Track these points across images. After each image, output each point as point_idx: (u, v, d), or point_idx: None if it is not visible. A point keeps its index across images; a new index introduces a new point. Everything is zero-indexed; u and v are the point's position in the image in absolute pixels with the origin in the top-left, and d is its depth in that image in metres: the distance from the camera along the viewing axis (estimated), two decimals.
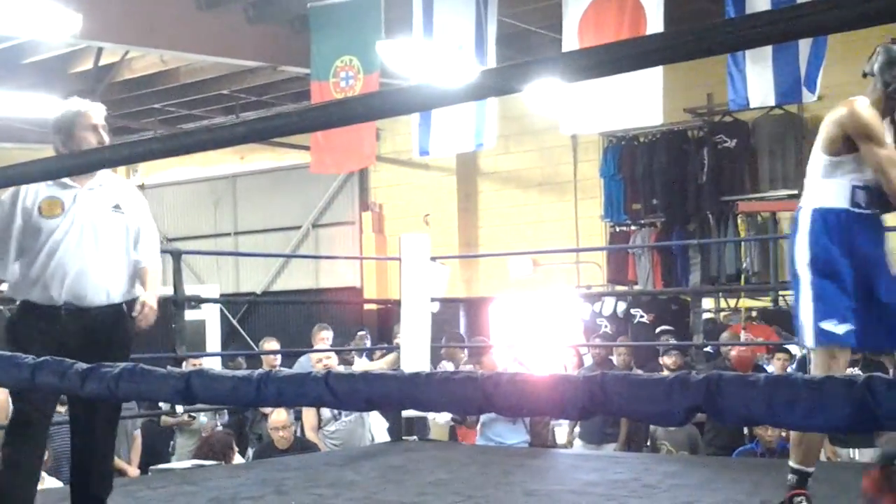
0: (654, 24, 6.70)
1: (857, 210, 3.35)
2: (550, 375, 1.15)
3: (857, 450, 6.11)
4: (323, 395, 1.33)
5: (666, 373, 7.18)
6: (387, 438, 6.63)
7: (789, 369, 6.37)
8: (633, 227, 10.15)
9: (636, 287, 9.89)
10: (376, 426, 6.84)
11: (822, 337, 3.29)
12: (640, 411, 1.07)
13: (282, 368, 7.46)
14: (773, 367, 6.66)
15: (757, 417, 1.00)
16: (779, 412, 0.97)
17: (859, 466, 4.73)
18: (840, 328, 3.27)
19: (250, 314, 13.05)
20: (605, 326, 9.52)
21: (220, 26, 8.76)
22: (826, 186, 3.38)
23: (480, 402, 1.16)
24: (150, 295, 3.45)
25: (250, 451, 6.95)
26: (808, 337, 3.33)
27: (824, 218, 3.39)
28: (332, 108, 1.50)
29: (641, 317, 9.54)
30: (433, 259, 6.89)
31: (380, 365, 7.73)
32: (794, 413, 0.96)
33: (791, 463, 3.39)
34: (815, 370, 3.37)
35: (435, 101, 1.55)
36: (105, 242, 3.39)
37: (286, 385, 1.41)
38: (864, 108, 3.33)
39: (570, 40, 7.19)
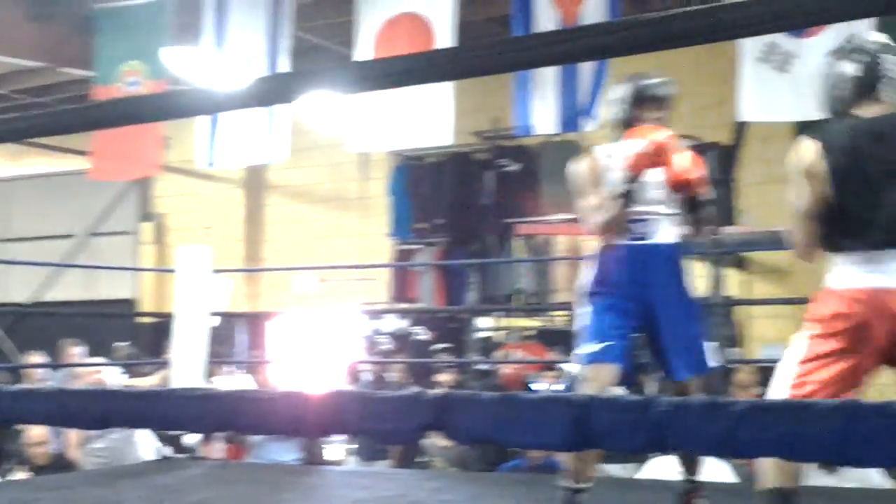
0: (444, 45, 6.81)
1: (638, 242, 3.48)
2: (285, 393, 1.13)
3: (613, 465, 6.36)
4: (55, 411, 1.27)
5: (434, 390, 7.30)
6: (156, 456, 6.42)
7: (556, 387, 6.58)
8: (417, 246, 10.27)
9: (418, 305, 10.01)
10: (146, 444, 6.61)
11: (585, 357, 3.43)
12: (374, 429, 1.07)
13: (46, 383, 7.11)
14: (539, 385, 6.87)
15: (485, 435, 1.02)
16: (504, 430, 0.99)
17: (615, 482, 4.93)
18: (598, 346, 3.39)
19: (18, 326, 12.36)
20: (386, 343, 9.57)
21: None
22: None
23: (218, 420, 1.13)
24: None
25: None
26: (576, 357, 3.47)
27: (605, 250, 3.55)
28: (89, 110, 1.44)
29: (422, 335, 9.65)
30: (216, 272, 6.73)
31: (151, 381, 7.48)
32: (518, 431, 0.98)
33: (562, 481, 3.47)
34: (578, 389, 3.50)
35: (206, 107, 1.51)
36: None
37: (18, 401, 1.34)
38: (581, 163, 3.64)
39: (364, 58, 7.21)
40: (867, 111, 2.88)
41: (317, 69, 1.25)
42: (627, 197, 3.41)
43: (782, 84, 5.50)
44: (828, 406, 0.86)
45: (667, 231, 3.52)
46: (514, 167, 9.64)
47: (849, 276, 2.76)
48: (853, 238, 2.78)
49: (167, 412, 1.24)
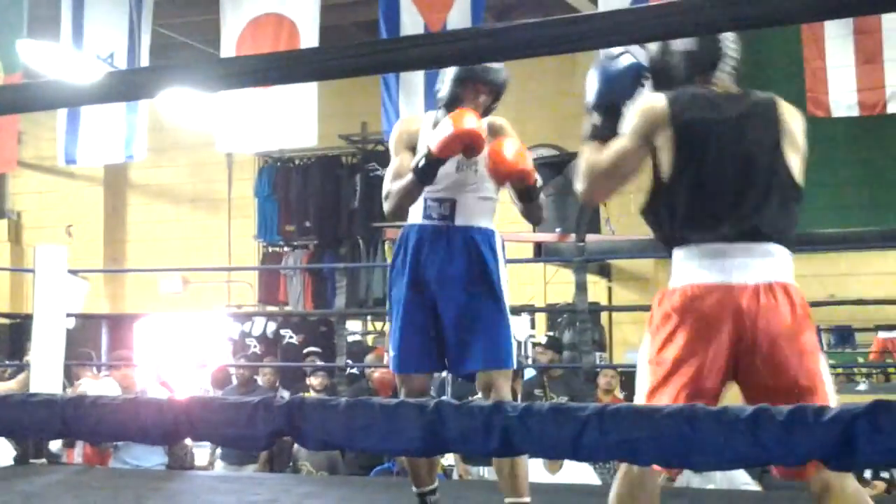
0: (309, 46, 6.77)
1: (428, 223, 3.30)
2: (135, 399, 1.10)
3: (486, 468, 6.43)
4: None
5: (311, 393, 7.26)
6: (12, 462, 6.18)
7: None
8: (286, 249, 10.18)
9: (286, 308, 9.92)
10: (2, 448, 6.36)
11: (391, 363, 3.36)
12: (225, 435, 1.05)
13: None
14: None
15: (337, 441, 1.02)
16: (357, 436, 0.99)
17: (489, 484, 4.98)
18: (394, 352, 3.31)
19: None
20: (255, 346, 9.46)
21: None
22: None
23: (59, 427, 1.10)
24: None
25: None
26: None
27: (402, 235, 3.39)
28: None
29: (291, 338, 9.57)
30: (73, 272, 6.53)
31: (9, 385, 7.22)
32: (371, 437, 0.98)
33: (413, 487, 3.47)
34: None
35: (61, 101, 1.46)
36: None
37: None
38: (397, 124, 3.56)
39: (228, 56, 7.11)
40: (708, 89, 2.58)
41: (176, 64, 1.22)
42: (424, 174, 3.17)
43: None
44: (668, 411, 0.88)
45: (472, 216, 3.32)
46: (382, 172, 9.65)
47: (690, 271, 2.44)
48: (697, 229, 2.45)
49: (5, 418, 1.19)
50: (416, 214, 3.32)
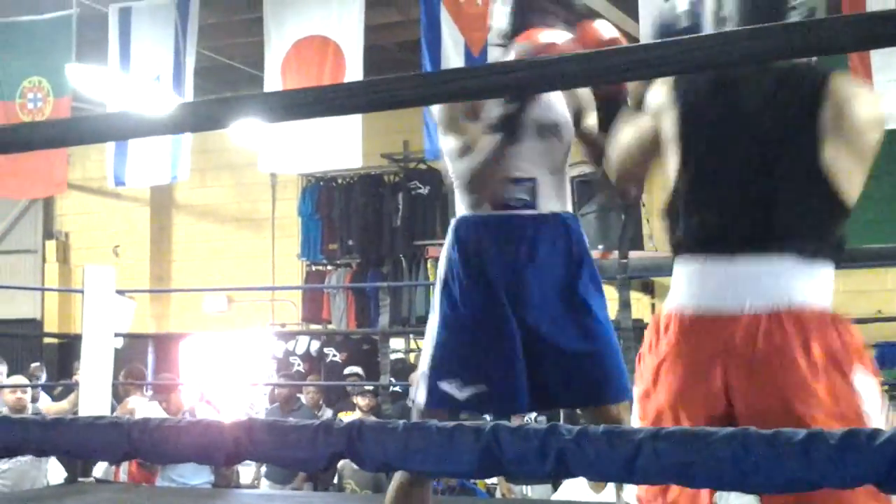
0: (354, 69, 6.84)
1: (513, 212, 2.57)
2: (198, 421, 1.14)
3: (529, 486, 6.44)
4: None
5: (357, 413, 7.29)
6: (62, 480, 6.28)
7: None
8: (329, 267, 10.25)
9: (330, 326, 9.98)
10: (54, 466, 6.46)
11: (435, 400, 2.54)
12: (286, 457, 1.08)
13: None
14: None
15: (395, 463, 1.04)
16: (414, 458, 1.01)
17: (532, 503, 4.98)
18: (461, 393, 2.52)
19: None
20: (298, 365, 9.52)
21: None
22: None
23: (126, 449, 1.13)
24: None
25: None
26: (421, 394, 2.58)
27: (455, 229, 2.67)
28: (22, 130, 1.42)
29: (334, 356, 9.62)
30: (120, 292, 6.63)
31: (61, 405, 7.34)
32: (428, 459, 1.00)
33: None
34: None
35: (134, 131, 1.49)
36: None
37: None
38: None
39: (273, 78, 7.20)
40: None
41: (245, 96, 1.26)
42: (509, 132, 2.47)
43: None
44: (722, 434, 0.90)
45: (554, 200, 2.63)
46: (424, 190, 9.70)
47: (681, 292, 1.96)
48: (693, 236, 1.97)
49: (70, 441, 1.23)
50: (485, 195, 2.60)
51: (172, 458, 1.12)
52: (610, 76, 1.05)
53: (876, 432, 0.84)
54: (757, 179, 1.91)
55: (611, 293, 7.43)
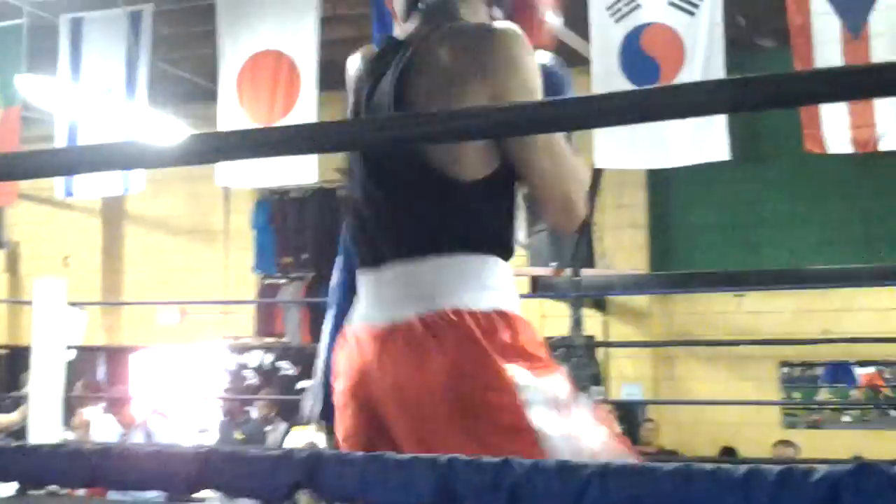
0: (309, 85, 6.85)
1: None
2: (155, 450, 1.16)
3: None
4: None
5: (311, 427, 7.29)
6: (12, 492, 6.21)
7: None
8: (283, 280, 10.23)
9: (283, 339, 9.96)
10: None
11: None
12: (246, 487, 1.11)
13: None
14: None
15: (355, 493, 1.07)
16: (373, 489, 1.04)
17: None
18: None
19: None
20: (251, 378, 9.50)
21: None
22: None
23: (88, 477, 1.15)
24: None
25: None
26: None
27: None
28: (29, 158, 1.43)
29: (288, 369, 9.61)
30: (71, 304, 6.58)
31: (11, 418, 7.27)
32: (387, 489, 1.04)
33: None
34: None
35: (140, 161, 1.50)
36: None
37: None
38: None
39: (228, 92, 7.18)
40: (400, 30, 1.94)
41: (244, 132, 1.28)
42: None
43: (635, 133, 5.73)
44: (668, 469, 0.94)
45: None
46: None
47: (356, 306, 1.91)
48: (355, 247, 1.92)
49: (34, 468, 1.25)
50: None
51: (134, 485, 1.14)
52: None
53: (810, 470, 0.89)
54: (381, 184, 1.83)
55: (563, 310, 7.53)
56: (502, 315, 1.74)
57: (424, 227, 1.77)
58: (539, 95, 1.74)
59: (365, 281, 1.85)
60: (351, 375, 1.81)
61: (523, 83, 1.73)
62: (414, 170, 1.75)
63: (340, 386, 1.85)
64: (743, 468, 0.91)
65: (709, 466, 0.93)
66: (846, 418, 8.51)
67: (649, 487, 0.93)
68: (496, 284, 1.77)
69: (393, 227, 1.80)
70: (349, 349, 1.84)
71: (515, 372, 1.67)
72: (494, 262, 1.79)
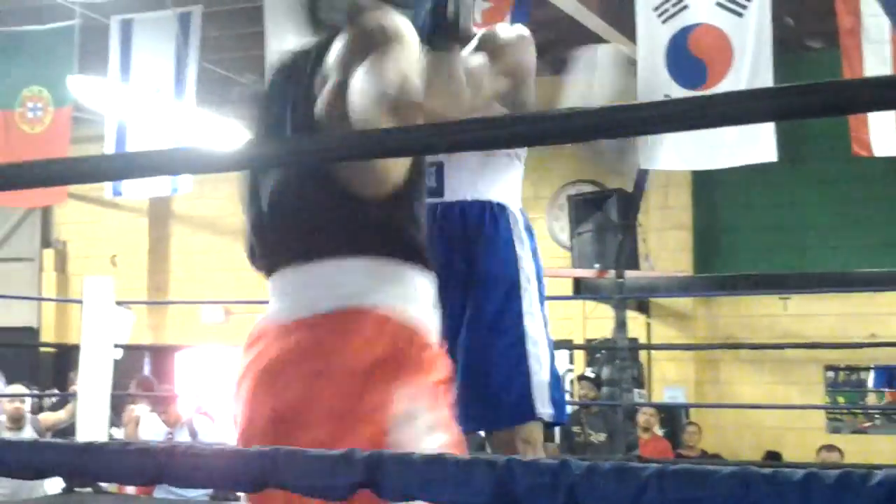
0: None
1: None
2: (224, 448, 1.19)
3: None
4: None
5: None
6: (59, 489, 6.31)
7: None
8: None
9: None
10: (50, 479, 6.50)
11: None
12: (308, 486, 1.13)
13: None
14: None
15: (414, 493, 1.10)
16: (432, 489, 1.07)
17: None
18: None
19: None
20: None
21: None
22: None
23: (153, 474, 1.19)
24: None
25: None
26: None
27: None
28: (90, 162, 1.47)
29: None
30: (119, 303, 6.67)
31: (59, 415, 7.39)
32: (445, 490, 1.06)
33: None
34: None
35: (201, 167, 1.52)
36: None
37: None
38: None
39: None
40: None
41: (309, 138, 1.32)
42: None
43: (681, 135, 5.72)
44: (725, 472, 0.96)
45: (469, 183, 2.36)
46: None
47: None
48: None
49: (100, 466, 1.28)
50: None
51: (200, 483, 1.17)
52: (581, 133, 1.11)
53: (869, 473, 0.90)
54: (276, 189, 1.89)
55: (607, 312, 7.51)
56: (398, 318, 1.74)
57: (330, 230, 1.79)
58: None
59: (273, 281, 1.87)
60: (256, 370, 1.85)
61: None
62: (320, 178, 1.78)
63: (247, 382, 1.88)
64: (801, 472, 0.92)
65: (767, 470, 0.94)
66: (892, 423, 8.42)
67: (707, 490, 0.94)
68: (398, 287, 1.77)
69: (295, 231, 1.84)
70: (255, 346, 1.88)
71: (393, 377, 1.69)
72: (400, 266, 1.79)
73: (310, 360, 1.73)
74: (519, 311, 2.30)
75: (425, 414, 1.68)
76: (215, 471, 1.16)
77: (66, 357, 9.78)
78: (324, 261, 1.77)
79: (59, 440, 1.60)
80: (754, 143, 5.67)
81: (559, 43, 8.90)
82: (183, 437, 7.47)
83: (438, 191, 2.32)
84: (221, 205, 10.99)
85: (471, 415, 2.13)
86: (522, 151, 2.39)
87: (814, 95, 0.95)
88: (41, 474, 1.31)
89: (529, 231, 2.41)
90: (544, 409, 2.29)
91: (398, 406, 1.67)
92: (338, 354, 1.71)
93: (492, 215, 2.35)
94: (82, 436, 5.83)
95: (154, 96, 7.65)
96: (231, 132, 9.80)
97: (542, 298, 2.38)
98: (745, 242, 8.71)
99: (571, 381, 8.45)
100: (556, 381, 2.35)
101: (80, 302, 6.15)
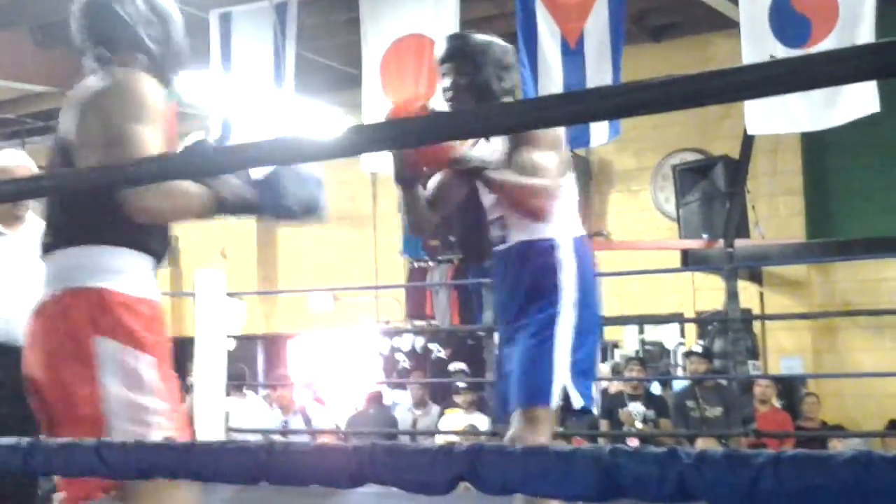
0: None
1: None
2: (318, 446, 1.17)
3: None
4: (95, 465, 1.31)
5: (461, 411, 7.34)
6: None
7: None
8: (431, 263, 10.30)
9: (433, 322, 10.04)
10: None
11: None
12: (407, 481, 1.11)
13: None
14: None
15: (515, 486, 1.06)
16: (533, 481, 1.03)
17: None
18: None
19: None
20: (403, 362, 9.62)
21: (5, 49, 8.41)
22: None
23: (255, 473, 1.18)
24: None
25: None
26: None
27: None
28: (175, 160, 1.47)
29: (439, 352, 9.69)
30: (229, 295, 6.80)
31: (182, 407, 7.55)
32: (548, 482, 1.02)
33: None
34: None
35: (299, 156, 1.53)
36: None
37: (54, 455, 1.38)
38: None
39: (372, 78, 7.27)
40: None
41: (398, 121, 1.31)
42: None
43: (786, 96, 5.54)
44: (845, 457, 0.90)
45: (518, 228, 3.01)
46: None
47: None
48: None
49: (202, 465, 1.28)
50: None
51: (299, 480, 1.16)
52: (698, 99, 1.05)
53: None
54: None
55: (717, 283, 7.34)
56: (120, 296, 2.13)
57: (73, 222, 2.21)
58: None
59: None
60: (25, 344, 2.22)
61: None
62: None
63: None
64: None
65: (890, 454, 0.87)
66: None
67: (826, 477, 0.88)
68: (124, 271, 2.18)
69: (57, 222, 2.25)
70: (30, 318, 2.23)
71: (105, 347, 2.08)
72: (129, 253, 2.21)
73: (44, 336, 2.13)
74: (552, 320, 2.79)
75: (139, 382, 2.11)
76: (314, 468, 1.15)
77: (181, 349, 10.01)
78: (73, 248, 2.18)
79: (160, 442, 1.62)
80: (856, 97, 5.46)
81: (657, 10, 8.73)
82: (297, 423, 7.58)
83: (504, 238, 3.04)
84: (326, 192, 11.09)
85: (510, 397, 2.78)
86: (566, 179, 2.91)
87: None
88: (144, 475, 1.31)
89: (579, 253, 2.89)
90: (553, 397, 2.72)
91: (109, 378, 2.08)
92: (60, 331, 2.10)
93: (537, 249, 2.91)
94: (200, 425, 5.97)
95: (255, 87, 7.74)
96: (329, 120, 9.87)
97: (588, 306, 2.84)
98: (858, 205, 8.40)
99: (684, 355, 8.29)
100: (581, 376, 2.78)
101: (192, 295, 6.27)
